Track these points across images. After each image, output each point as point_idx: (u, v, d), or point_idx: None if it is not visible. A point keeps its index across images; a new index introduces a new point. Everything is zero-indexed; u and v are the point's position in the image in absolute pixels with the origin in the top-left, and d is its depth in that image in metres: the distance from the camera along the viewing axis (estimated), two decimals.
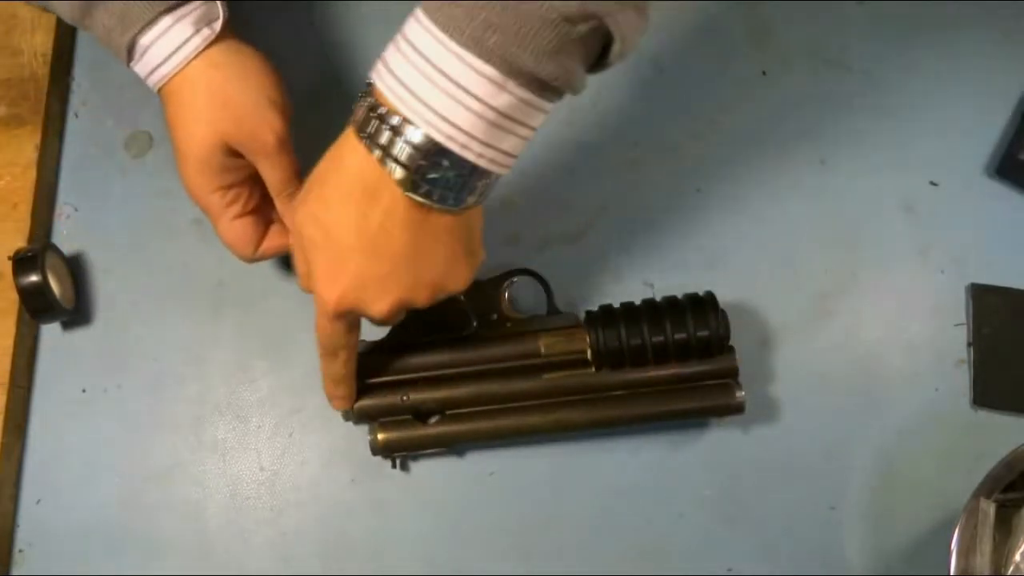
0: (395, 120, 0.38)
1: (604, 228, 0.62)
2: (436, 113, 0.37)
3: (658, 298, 0.55)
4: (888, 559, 0.57)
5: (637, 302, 0.55)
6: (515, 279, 0.57)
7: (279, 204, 0.52)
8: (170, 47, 0.48)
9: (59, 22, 0.63)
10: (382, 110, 0.39)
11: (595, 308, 0.55)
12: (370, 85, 0.40)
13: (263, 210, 0.53)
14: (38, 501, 0.57)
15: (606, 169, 0.63)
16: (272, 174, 0.50)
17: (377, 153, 0.39)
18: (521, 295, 0.59)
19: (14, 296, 0.56)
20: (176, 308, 0.60)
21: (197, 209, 0.52)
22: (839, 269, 0.62)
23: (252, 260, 0.54)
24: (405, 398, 0.54)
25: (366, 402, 0.54)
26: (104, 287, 0.61)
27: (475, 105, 0.37)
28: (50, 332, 0.60)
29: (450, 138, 0.38)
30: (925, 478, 0.58)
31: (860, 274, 0.62)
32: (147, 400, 0.59)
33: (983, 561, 0.48)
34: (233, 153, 0.49)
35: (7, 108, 0.61)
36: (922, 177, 0.64)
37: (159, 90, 0.50)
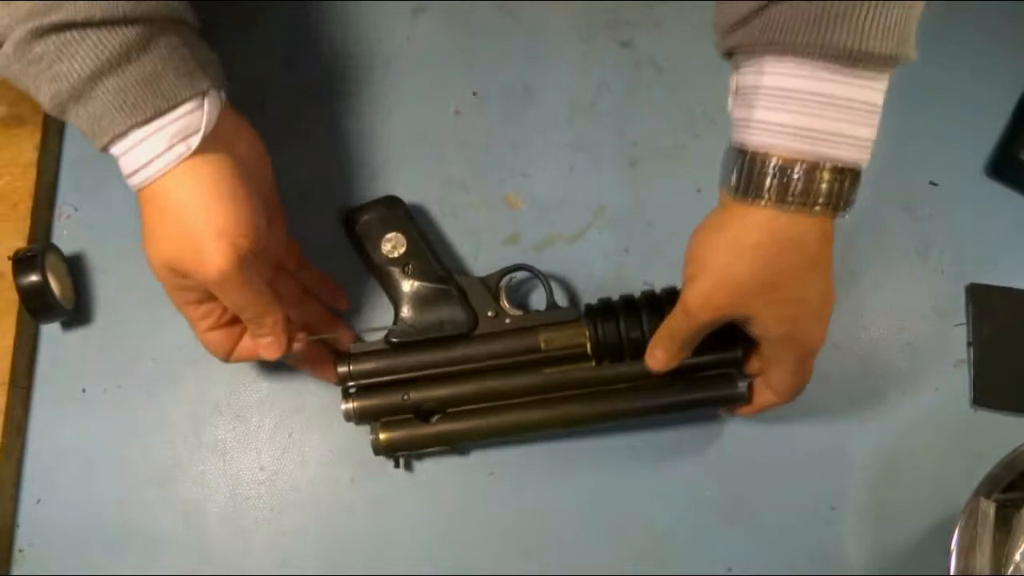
0: (802, 168, 0.41)
1: (604, 228, 0.62)
2: (849, 137, 0.41)
3: (657, 290, 0.54)
4: (888, 559, 0.57)
5: (637, 294, 0.55)
6: (513, 275, 0.57)
7: (243, 320, 0.50)
8: (139, 161, 0.44)
9: None
10: (794, 166, 0.41)
11: (594, 302, 0.55)
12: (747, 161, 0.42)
13: (239, 322, 0.51)
14: (38, 501, 0.57)
15: (606, 169, 0.63)
16: (223, 299, 0.48)
17: (819, 208, 0.42)
18: (519, 291, 0.59)
19: (14, 296, 0.56)
20: (175, 309, 0.60)
21: None
22: (839, 269, 0.62)
23: (228, 362, 0.53)
24: (406, 397, 0.54)
25: (367, 402, 0.55)
26: (104, 287, 0.61)
27: (871, 115, 0.42)
28: (50, 332, 0.60)
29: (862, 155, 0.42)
30: (925, 478, 0.58)
31: (860, 274, 0.62)
32: (147, 400, 0.59)
33: (983, 561, 0.48)
34: (186, 278, 0.47)
35: (7, 108, 0.61)
36: (922, 177, 0.64)
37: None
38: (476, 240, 0.61)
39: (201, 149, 0.45)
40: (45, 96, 0.43)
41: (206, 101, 0.45)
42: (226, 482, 0.58)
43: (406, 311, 0.56)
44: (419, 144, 0.63)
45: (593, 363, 0.54)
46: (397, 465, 0.57)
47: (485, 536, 0.57)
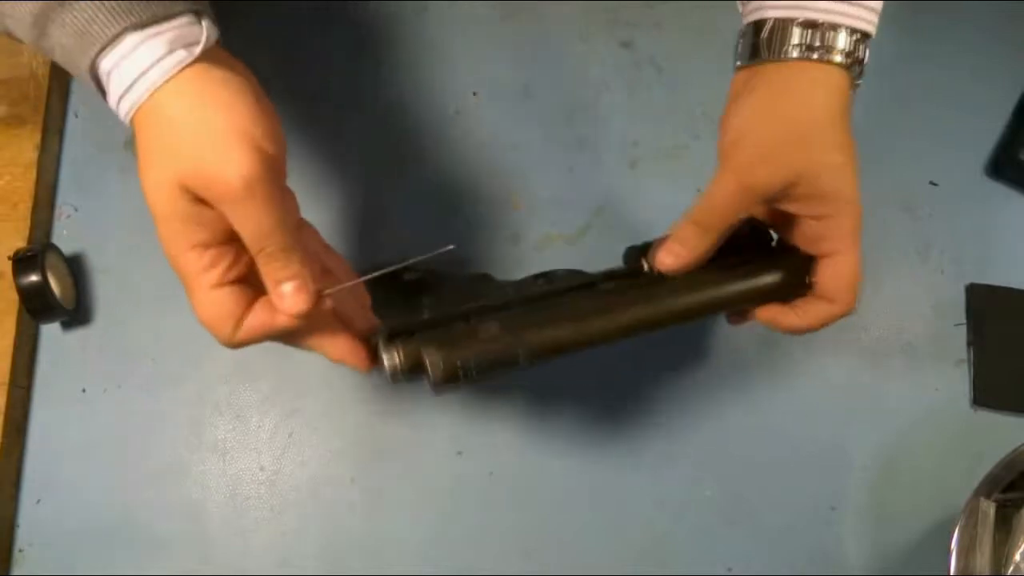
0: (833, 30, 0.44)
1: (604, 228, 0.62)
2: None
3: None
4: (888, 559, 0.57)
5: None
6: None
7: (259, 264, 0.41)
8: (136, 71, 0.39)
9: None
10: (828, 29, 0.44)
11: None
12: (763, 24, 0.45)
13: (251, 283, 0.42)
14: (38, 501, 0.57)
15: (606, 169, 0.63)
16: (244, 225, 0.40)
17: (841, 60, 0.44)
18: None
19: (14, 296, 0.56)
20: (176, 308, 0.60)
21: None
22: None
23: (233, 344, 0.42)
24: (468, 324, 0.45)
25: (419, 340, 0.44)
26: (104, 287, 0.61)
27: None
28: (50, 332, 0.60)
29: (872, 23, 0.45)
30: (925, 478, 0.58)
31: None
32: (147, 400, 0.59)
33: (983, 561, 0.48)
34: (200, 200, 0.40)
35: (7, 108, 0.61)
36: (922, 177, 0.64)
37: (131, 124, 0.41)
38: (477, 240, 0.61)
39: (204, 58, 0.40)
40: (24, 11, 0.38)
41: (203, 20, 0.41)
42: (226, 482, 0.58)
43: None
44: (419, 144, 0.63)
45: (653, 275, 0.47)
46: (461, 379, 0.44)
47: (485, 536, 0.57)
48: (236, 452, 0.58)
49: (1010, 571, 0.49)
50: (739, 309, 0.50)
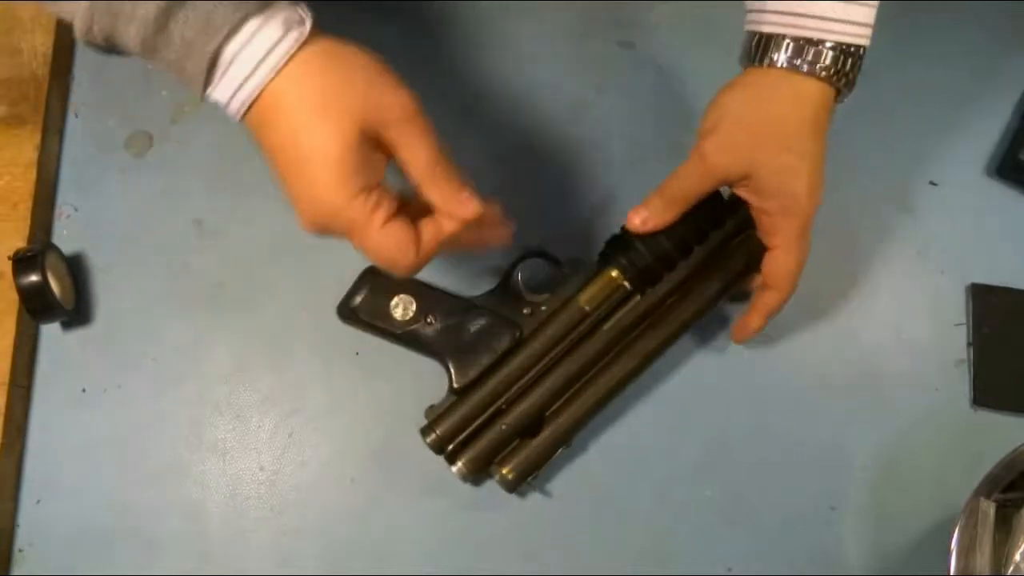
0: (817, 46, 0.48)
1: (604, 228, 0.62)
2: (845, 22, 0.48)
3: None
4: (888, 559, 0.57)
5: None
6: (519, 266, 0.57)
7: (434, 183, 0.44)
8: (259, 52, 0.41)
9: (59, 21, 0.63)
10: (814, 45, 0.48)
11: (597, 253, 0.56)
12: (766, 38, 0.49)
13: (406, 212, 0.45)
14: (38, 501, 0.57)
15: (606, 169, 0.63)
16: (419, 148, 0.43)
17: (824, 75, 0.48)
18: (535, 280, 0.58)
19: (14, 296, 0.56)
20: (176, 308, 0.60)
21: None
22: (839, 269, 0.62)
23: (417, 266, 0.45)
24: (504, 427, 0.54)
25: (473, 453, 0.54)
26: (104, 287, 0.61)
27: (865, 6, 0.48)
28: (50, 332, 0.60)
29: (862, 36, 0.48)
30: (925, 478, 0.58)
31: (860, 274, 0.62)
32: (147, 400, 0.59)
33: (983, 561, 0.48)
34: (370, 141, 0.43)
35: (7, 108, 0.61)
36: (922, 177, 0.64)
37: (244, 116, 0.43)
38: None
39: (311, 39, 0.42)
40: (148, 11, 0.40)
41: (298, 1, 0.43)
42: (226, 482, 0.58)
43: (452, 356, 0.55)
44: None
45: (638, 297, 0.55)
46: (524, 484, 0.55)
47: (485, 536, 0.57)
48: (236, 452, 0.58)
49: (1010, 571, 0.49)
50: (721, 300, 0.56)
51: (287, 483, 0.58)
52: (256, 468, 0.58)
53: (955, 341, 0.61)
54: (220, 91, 0.42)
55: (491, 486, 0.57)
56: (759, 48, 0.49)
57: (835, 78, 0.48)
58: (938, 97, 0.66)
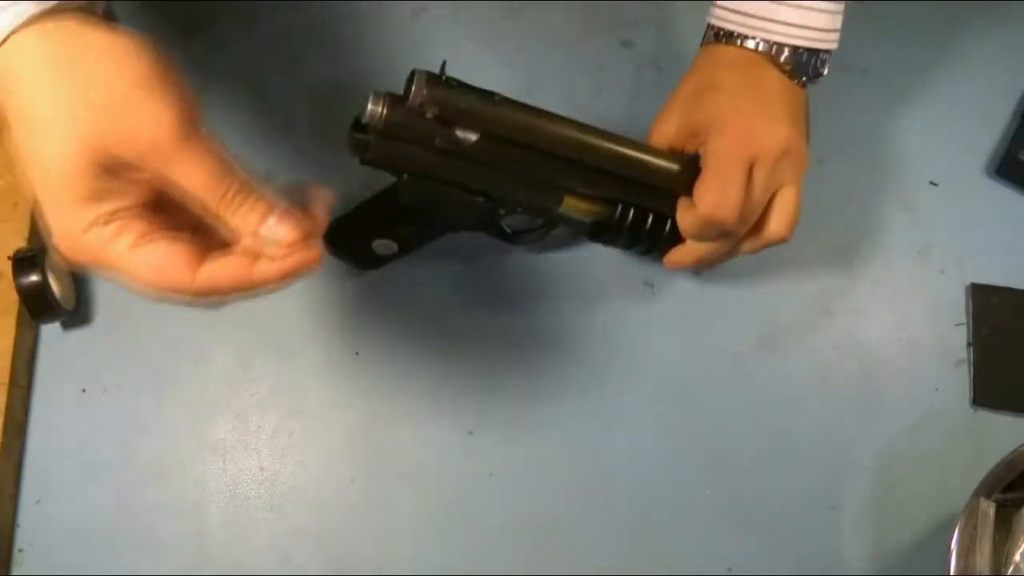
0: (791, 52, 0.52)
1: None
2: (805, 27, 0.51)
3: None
4: (888, 559, 0.57)
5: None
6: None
7: (225, 216, 0.36)
8: None
9: None
10: (801, 53, 0.52)
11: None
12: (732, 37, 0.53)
13: (174, 236, 0.36)
14: (38, 501, 0.57)
15: None
16: (192, 176, 0.35)
17: (803, 79, 0.53)
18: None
19: (14, 296, 0.56)
20: (176, 308, 0.60)
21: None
22: (839, 269, 0.62)
23: (195, 290, 0.36)
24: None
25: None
26: (104, 287, 0.60)
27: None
28: (50, 332, 0.60)
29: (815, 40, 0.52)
30: (925, 478, 0.58)
31: (860, 274, 0.62)
32: (147, 400, 0.59)
33: (983, 561, 0.48)
34: (114, 168, 0.34)
35: None
36: (922, 177, 0.64)
37: None
38: (476, 239, 0.61)
39: (71, 15, 0.34)
40: None
41: None
42: (226, 482, 0.58)
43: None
44: None
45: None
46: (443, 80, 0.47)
47: (485, 536, 0.57)
48: (236, 452, 0.58)
49: (1010, 571, 0.49)
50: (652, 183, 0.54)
51: (287, 483, 0.58)
52: (256, 468, 0.58)
53: (955, 341, 0.61)
54: None
55: (491, 487, 0.57)
56: (718, 37, 0.53)
57: (795, 72, 0.52)
58: (938, 97, 0.66)
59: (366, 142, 0.47)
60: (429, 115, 0.47)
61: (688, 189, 0.52)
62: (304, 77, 0.64)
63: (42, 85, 0.34)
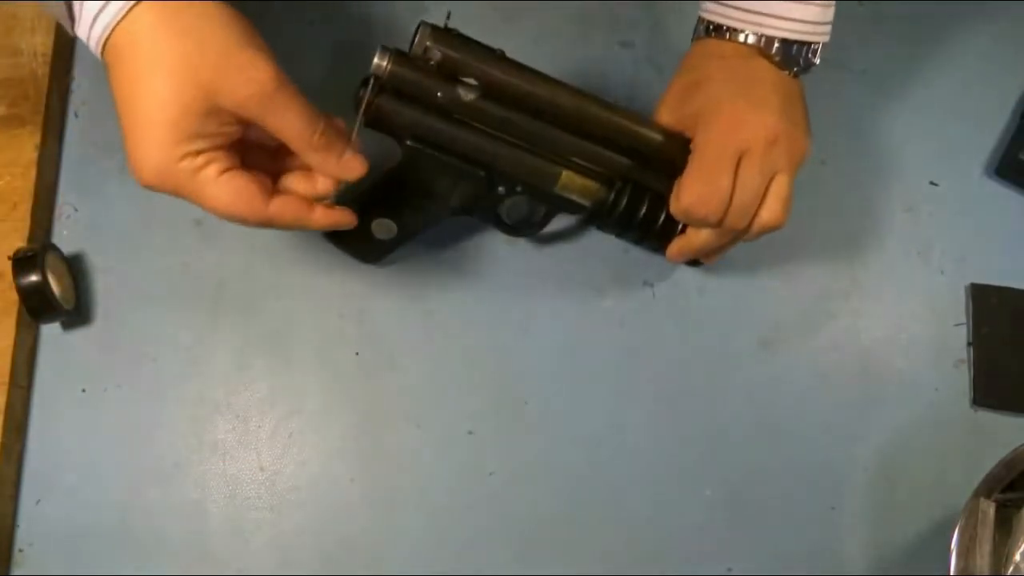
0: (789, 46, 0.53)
1: None
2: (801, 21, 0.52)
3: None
4: (888, 559, 0.57)
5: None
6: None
7: (313, 154, 0.44)
8: None
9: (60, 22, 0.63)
10: (791, 45, 0.53)
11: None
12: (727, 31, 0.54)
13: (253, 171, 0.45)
14: (38, 501, 0.57)
15: None
16: (288, 122, 0.43)
17: (794, 69, 0.53)
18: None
19: (14, 296, 0.56)
20: (176, 308, 0.60)
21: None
22: (839, 269, 0.62)
23: (267, 217, 0.44)
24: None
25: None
26: (104, 287, 0.60)
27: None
28: (50, 332, 0.60)
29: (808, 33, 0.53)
30: (925, 478, 0.58)
31: (860, 274, 0.62)
32: (147, 400, 0.59)
33: (983, 561, 0.48)
34: (218, 115, 0.41)
35: (7, 108, 0.61)
36: (922, 177, 0.64)
37: (103, 53, 0.41)
38: (476, 238, 0.61)
39: None
40: None
41: None
42: (226, 482, 0.58)
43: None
44: None
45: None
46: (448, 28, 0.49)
47: (485, 536, 0.57)
48: (236, 452, 0.58)
49: (1010, 571, 0.49)
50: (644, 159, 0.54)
51: (287, 483, 0.58)
52: (256, 468, 0.58)
53: (955, 341, 0.61)
54: (80, 28, 0.41)
55: (491, 487, 0.57)
56: (709, 32, 0.55)
57: (785, 63, 0.53)
58: (938, 97, 0.66)
59: (371, 101, 0.49)
60: (432, 62, 0.48)
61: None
62: (303, 79, 0.64)
63: (161, 45, 0.40)
